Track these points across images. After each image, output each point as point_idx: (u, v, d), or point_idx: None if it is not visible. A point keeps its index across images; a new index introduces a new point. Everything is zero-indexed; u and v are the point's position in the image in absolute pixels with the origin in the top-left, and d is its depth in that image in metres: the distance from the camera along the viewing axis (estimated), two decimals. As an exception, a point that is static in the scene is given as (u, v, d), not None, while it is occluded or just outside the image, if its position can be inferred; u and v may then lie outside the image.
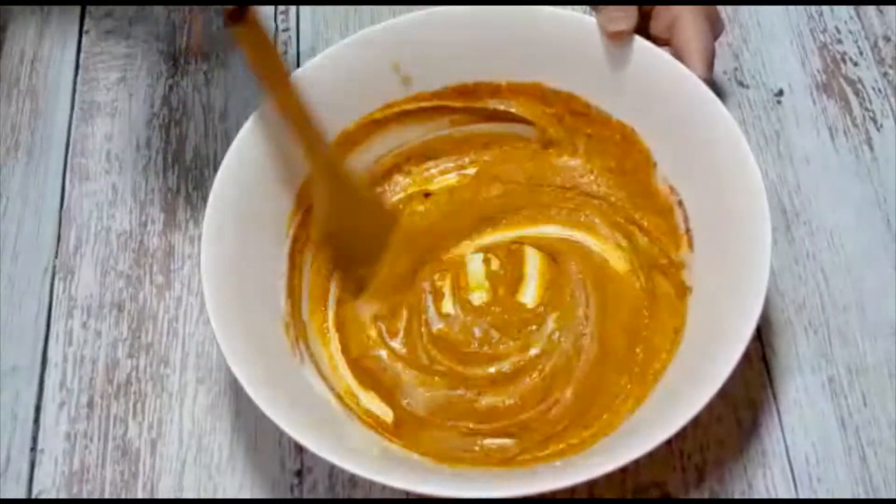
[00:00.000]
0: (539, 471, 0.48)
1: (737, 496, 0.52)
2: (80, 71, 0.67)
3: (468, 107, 0.59)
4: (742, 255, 0.49)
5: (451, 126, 0.60)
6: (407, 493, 0.46)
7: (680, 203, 0.54)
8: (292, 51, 0.67)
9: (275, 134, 0.54)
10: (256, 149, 0.54)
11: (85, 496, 0.53)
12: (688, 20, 0.55)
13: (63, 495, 0.54)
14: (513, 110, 0.59)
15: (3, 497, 0.54)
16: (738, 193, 0.50)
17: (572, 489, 0.44)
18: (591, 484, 0.47)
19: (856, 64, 0.64)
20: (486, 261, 0.58)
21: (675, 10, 0.55)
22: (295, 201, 0.56)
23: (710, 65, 0.54)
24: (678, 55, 0.54)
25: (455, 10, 0.56)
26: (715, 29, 0.57)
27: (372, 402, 0.54)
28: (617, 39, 0.54)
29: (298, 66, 0.66)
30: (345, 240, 0.56)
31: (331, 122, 0.57)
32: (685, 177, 0.54)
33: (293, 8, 0.69)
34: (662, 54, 0.54)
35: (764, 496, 0.52)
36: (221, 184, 0.52)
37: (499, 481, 0.47)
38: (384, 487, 0.45)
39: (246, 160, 0.53)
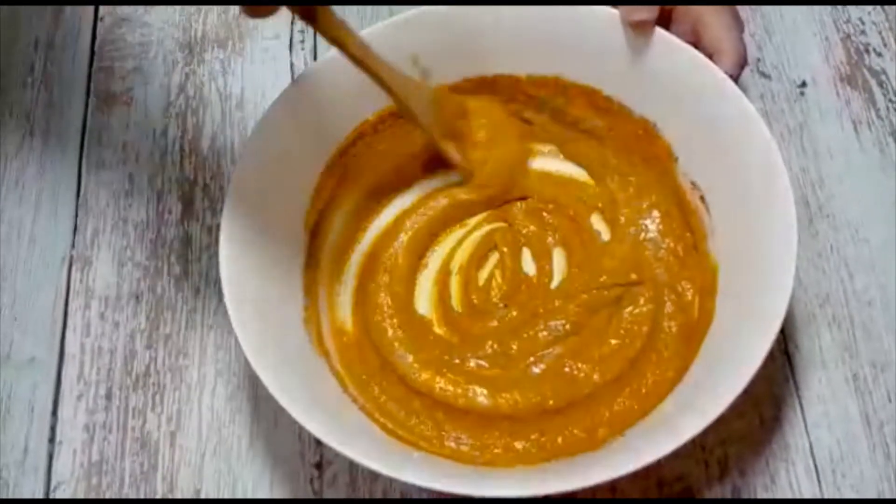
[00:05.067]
0: (561, 469, 0.47)
1: (759, 491, 0.51)
2: (96, 59, 0.67)
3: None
4: (767, 252, 0.49)
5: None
6: (427, 489, 0.45)
7: (702, 199, 0.54)
8: (309, 41, 0.67)
9: (292, 124, 0.54)
10: (274, 139, 0.53)
11: (104, 488, 0.53)
12: (713, 18, 0.55)
13: (82, 487, 0.53)
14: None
15: (21, 487, 0.53)
16: (763, 190, 0.50)
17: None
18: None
19: (879, 55, 0.63)
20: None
21: (696, 11, 0.55)
22: (312, 193, 0.55)
23: (743, 59, 0.54)
24: (708, 53, 0.53)
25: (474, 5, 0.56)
26: (738, 25, 0.57)
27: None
28: (639, 29, 0.54)
29: (316, 56, 0.66)
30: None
31: (351, 113, 0.56)
32: (708, 173, 0.54)
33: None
34: (685, 47, 0.53)
35: (787, 491, 0.51)
36: (239, 177, 0.52)
37: (520, 479, 0.47)
38: (404, 483, 0.45)
39: (264, 151, 0.53)
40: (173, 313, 0.58)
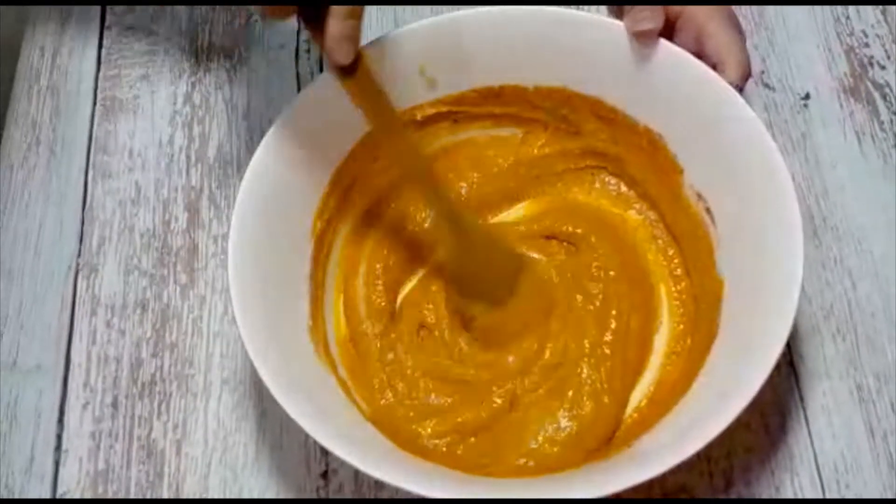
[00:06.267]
0: (567, 479, 0.48)
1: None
2: (102, 67, 0.67)
3: (493, 113, 0.59)
4: (772, 265, 0.49)
5: (476, 131, 0.60)
6: (433, 499, 0.45)
7: (708, 210, 0.54)
8: (315, 51, 0.67)
9: (300, 135, 0.54)
10: (283, 149, 0.53)
11: (110, 496, 0.53)
12: (717, 28, 0.55)
13: (88, 495, 0.53)
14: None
15: (27, 496, 0.54)
16: (768, 202, 0.50)
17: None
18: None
19: (883, 67, 0.64)
20: None
21: (700, 20, 0.55)
22: (319, 203, 0.55)
23: (747, 69, 0.54)
24: (711, 63, 0.53)
25: (482, 13, 0.56)
26: (742, 36, 0.57)
27: None
28: (644, 39, 0.54)
29: (322, 66, 0.66)
30: (468, 282, 0.55)
31: (358, 123, 0.56)
32: (713, 184, 0.54)
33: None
34: (690, 58, 0.54)
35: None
36: (248, 187, 0.52)
37: (525, 489, 0.47)
38: (409, 492, 0.45)
39: (272, 163, 0.53)
40: (179, 322, 0.58)
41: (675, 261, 0.57)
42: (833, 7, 0.66)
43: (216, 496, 0.53)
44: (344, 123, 0.56)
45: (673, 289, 0.56)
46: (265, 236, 0.52)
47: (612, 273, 0.56)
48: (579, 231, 0.58)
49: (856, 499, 0.51)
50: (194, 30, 0.68)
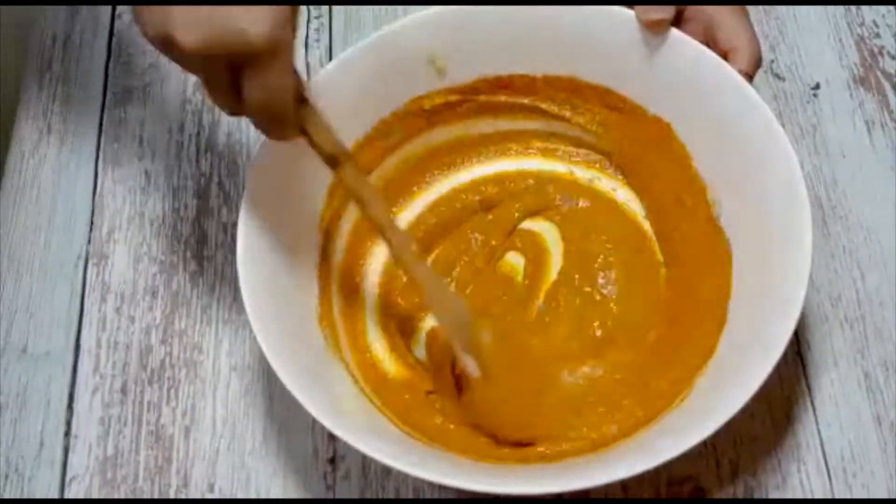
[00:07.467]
0: (575, 467, 0.48)
1: (770, 491, 0.52)
2: (113, 56, 0.67)
3: (502, 102, 0.59)
4: (780, 254, 0.49)
5: (484, 121, 0.60)
6: (440, 485, 0.45)
7: (716, 200, 0.54)
8: (325, 39, 0.67)
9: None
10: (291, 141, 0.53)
11: (118, 481, 0.54)
12: (726, 17, 0.55)
13: (97, 481, 0.54)
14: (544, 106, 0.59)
15: (36, 480, 0.54)
16: (777, 193, 0.50)
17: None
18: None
19: (893, 58, 0.64)
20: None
21: (708, 11, 0.55)
22: (327, 192, 0.56)
23: (758, 57, 0.54)
24: (722, 52, 0.53)
25: (492, 7, 0.56)
26: (750, 24, 0.57)
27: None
28: (655, 29, 0.54)
29: (331, 55, 0.66)
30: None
31: (367, 113, 0.57)
32: (722, 172, 0.54)
33: (326, -2, 0.69)
34: (699, 47, 0.54)
35: (798, 491, 0.52)
36: (256, 176, 0.52)
37: (533, 477, 0.47)
38: (417, 479, 0.45)
39: (280, 152, 0.53)
40: (188, 308, 0.58)
41: (682, 250, 0.57)
42: (843, -2, 0.66)
43: (224, 482, 0.53)
44: (352, 113, 0.56)
45: (679, 279, 0.56)
46: (274, 225, 0.52)
47: (617, 259, 0.56)
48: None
49: (857, 499, 0.51)
50: (204, 19, 0.68)
